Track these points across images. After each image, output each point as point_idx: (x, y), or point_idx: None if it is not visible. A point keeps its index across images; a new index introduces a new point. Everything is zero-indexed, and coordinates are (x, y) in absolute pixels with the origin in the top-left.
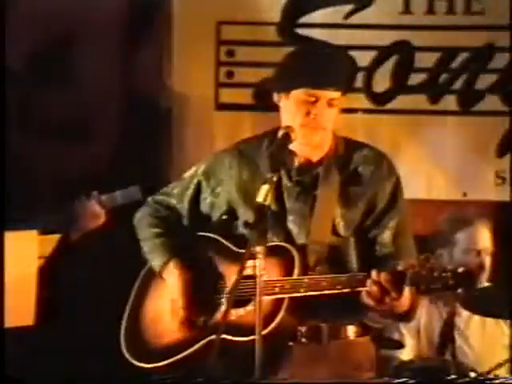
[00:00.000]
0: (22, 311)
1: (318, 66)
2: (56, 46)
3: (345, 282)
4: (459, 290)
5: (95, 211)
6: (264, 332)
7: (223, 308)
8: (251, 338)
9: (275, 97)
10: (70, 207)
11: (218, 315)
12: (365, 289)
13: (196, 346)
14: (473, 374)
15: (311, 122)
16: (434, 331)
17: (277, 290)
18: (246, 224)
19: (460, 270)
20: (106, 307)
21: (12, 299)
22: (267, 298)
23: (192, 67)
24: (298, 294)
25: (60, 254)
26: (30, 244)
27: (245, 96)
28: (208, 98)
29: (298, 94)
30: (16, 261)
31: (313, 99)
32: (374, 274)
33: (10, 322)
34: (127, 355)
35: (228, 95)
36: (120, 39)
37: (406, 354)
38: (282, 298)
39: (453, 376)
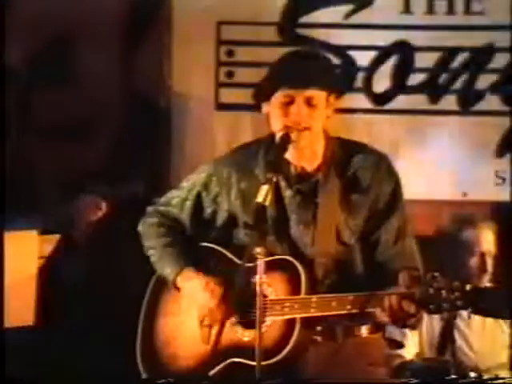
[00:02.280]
0: (22, 311)
1: (291, 67)
2: (56, 46)
3: (354, 303)
4: (469, 309)
5: (96, 205)
6: (281, 355)
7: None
8: (267, 362)
9: (263, 108)
10: (70, 204)
11: (230, 336)
12: (375, 310)
13: (214, 370)
14: (473, 374)
15: (291, 123)
16: (434, 331)
17: (286, 310)
18: (246, 225)
19: (468, 287)
20: (106, 307)
21: (12, 299)
22: (278, 319)
23: (192, 67)
24: (308, 315)
25: (60, 253)
26: (30, 244)
27: (245, 96)
28: (208, 97)
29: (276, 98)
30: (16, 261)
31: (288, 100)
32: (385, 303)
33: (10, 322)
34: (145, 375)
35: (228, 95)
36: (120, 39)
37: (406, 354)
38: (294, 318)
39: (453, 376)
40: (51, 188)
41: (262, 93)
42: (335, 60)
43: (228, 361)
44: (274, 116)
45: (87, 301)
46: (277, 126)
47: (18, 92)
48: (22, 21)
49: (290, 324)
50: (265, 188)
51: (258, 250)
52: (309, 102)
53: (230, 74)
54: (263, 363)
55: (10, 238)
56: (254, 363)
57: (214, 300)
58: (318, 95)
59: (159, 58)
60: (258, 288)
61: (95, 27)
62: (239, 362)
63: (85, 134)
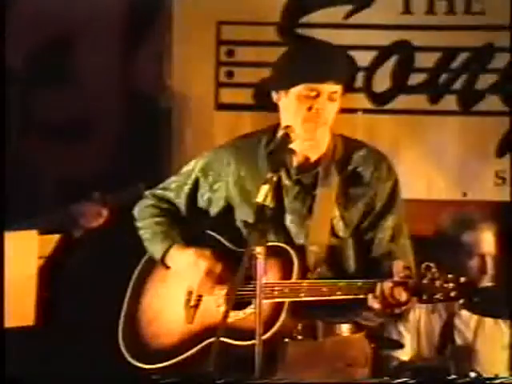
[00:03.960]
0: (22, 311)
1: (316, 61)
2: (56, 46)
3: (345, 289)
4: (461, 301)
5: (97, 211)
6: (265, 336)
7: (222, 309)
8: (251, 342)
9: (274, 96)
10: (71, 207)
11: (215, 316)
12: (366, 296)
13: (195, 348)
14: (473, 374)
15: (314, 117)
16: (433, 331)
17: (276, 293)
18: (246, 224)
19: (462, 279)
20: (106, 307)
21: (12, 299)
22: (266, 302)
23: (192, 67)
24: (298, 299)
25: (60, 253)
26: (30, 244)
27: (245, 96)
28: (208, 98)
29: (298, 90)
30: (16, 261)
31: (314, 93)
32: (377, 290)
33: (10, 322)
34: (126, 355)
35: (228, 95)
36: (120, 39)
37: (405, 354)
38: (282, 302)
39: (453, 376)
40: (51, 188)
41: (280, 82)
42: None
43: (211, 339)
44: (292, 108)
45: (87, 301)
46: (296, 118)
47: (18, 92)
48: (22, 21)
49: (277, 308)
50: (265, 188)
51: (259, 249)
52: (331, 97)
53: (229, 74)
54: (247, 343)
55: (10, 238)
56: (236, 342)
57: (202, 272)
58: (338, 89)
59: (159, 57)
60: (257, 289)
61: (95, 27)
62: (222, 342)
63: (84, 133)
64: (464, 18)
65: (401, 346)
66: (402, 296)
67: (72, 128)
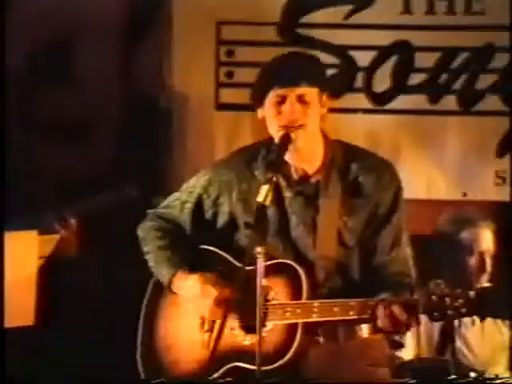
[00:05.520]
0: (22, 311)
1: (279, 68)
2: (56, 46)
3: (357, 309)
4: (474, 317)
5: (61, 222)
6: (286, 358)
7: (236, 332)
8: (269, 367)
9: (259, 113)
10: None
11: (231, 340)
12: (378, 315)
13: (216, 374)
14: (473, 374)
15: (286, 122)
16: (433, 331)
17: (288, 314)
18: (247, 224)
19: (471, 294)
20: (106, 307)
21: (12, 299)
22: (280, 323)
23: (192, 67)
24: (310, 320)
25: (60, 253)
26: (30, 244)
27: (245, 96)
28: (208, 98)
29: (269, 100)
30: (16, 261)
31: (280, 99)
32: (385, 306)
33: (10, 322)
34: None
35: (228, 95)
36: (120, 39)
37: (406, 354)
38: (296, 323)
39: (453, 376)
40: (51, 188)
41: (256, 97)
42: (335, 60)
43: (229, 365)
44: (269, 118)
45: (87, 301)
46: (273, 127)
47: (18, 92)
48: (22, 21)
49: (291, 328)
50: (265, 188)
51: (259, 249)
52: (301, 100)
53: (229, 74)
54: (266, 368)
55: (10, 238)
56: (255, 367)
57: (211, 300)
58: (310, 92)
59: (159, 57)
60: (258, 289)
61: (95, 27)
62: (241, 367)
63: (84, 133)
64: (464, 18)
65: (401, 345)
66: (413, 314)
67: (72, 128)
